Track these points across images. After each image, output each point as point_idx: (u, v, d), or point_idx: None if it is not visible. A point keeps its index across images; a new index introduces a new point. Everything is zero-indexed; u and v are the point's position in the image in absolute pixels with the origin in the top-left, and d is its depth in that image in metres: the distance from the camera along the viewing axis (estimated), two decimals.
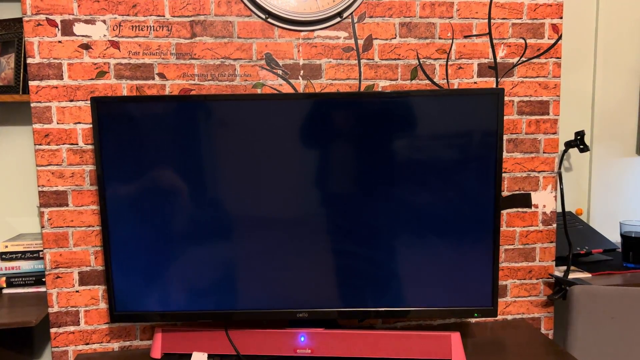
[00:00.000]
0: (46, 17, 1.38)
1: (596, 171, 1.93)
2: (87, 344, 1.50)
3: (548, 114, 1.59)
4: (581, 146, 1.73)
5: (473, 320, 1.64)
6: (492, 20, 1.53)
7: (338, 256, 1.37)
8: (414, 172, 1.35)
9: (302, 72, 1.48)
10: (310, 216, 1.36)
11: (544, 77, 1.57)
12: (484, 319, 1.64)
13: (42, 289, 1.59)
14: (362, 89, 1.51)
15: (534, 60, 1.56)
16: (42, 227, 1.44)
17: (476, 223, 1.36)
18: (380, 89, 1.51)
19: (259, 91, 1.47)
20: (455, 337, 1.38)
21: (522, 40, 1.55)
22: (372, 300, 1.38)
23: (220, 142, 1.33)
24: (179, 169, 1.33)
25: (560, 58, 1.57)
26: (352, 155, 1.34)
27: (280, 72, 1.48)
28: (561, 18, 1.55)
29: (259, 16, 1.45)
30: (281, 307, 1.38)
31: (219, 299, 1.38)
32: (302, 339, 1.39)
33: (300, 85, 1.49)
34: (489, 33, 1.54)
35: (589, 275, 1.61)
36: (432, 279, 1.38)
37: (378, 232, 1.36)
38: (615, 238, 1.88)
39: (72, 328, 1.49)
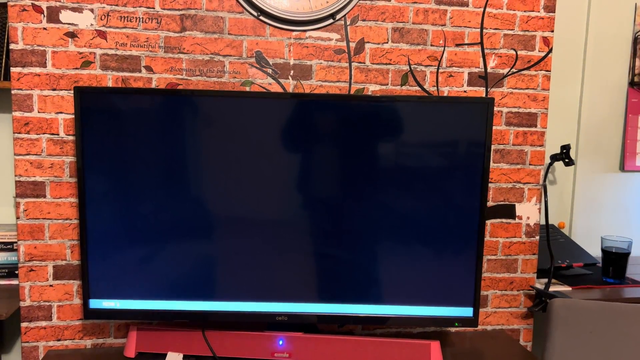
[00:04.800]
0: (32, 3, 1.34)
1: (580, 185, 1.94)
2: (59, 340, 1.46)
3: (536, 126, 1.59)
4: (566, 160, 1.74)
5: (452, 329, 1.63)
6: (484, 30, 1.53)
7: (320, 260, 1.36)
8: (400, 178, 1.34)
9: (292, 72, 1.46)
10: (293, 218, 1.34)
11: (533, 89, 1.58)
12: (463, 328, 1.64)
13: (15, 282, 1.55)
14: (352, 92, 1.49)
15: (524, 71, 1.57)
16: (18, 218, 1.40)
17: (460, 232, 1.36)
18: (370, 93, 1.50)
19: (247, 89, 1.45)
20: (435, 346, 1.37)
21: (513, 52, 1.55)
22: (352, 305, 1.37)
23: (205, 138, 1.30)
24: (161, 165, 1.30)
25: (549, 71, 1.57)
26: (338, 159, 1.33)
27: (270, 71, 1.46)
28: (552, 31, 1.56)
29: (250, 13, 1.43)
30: (260, 310, 1.36)
31: (197, 299, 1.35)
32: (281, 342, 1.37)
33: (290, 85, 1.47)
34: (481, 42, 1.54)
35: (569, 288, 1.62)
36: (414, 287, 1.37)
37: (361, 238, 1.35)
38: (595, 252, 1.89)
39: (43, 323, 1.45)
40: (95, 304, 1.34)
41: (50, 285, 1.44)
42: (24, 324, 1.44)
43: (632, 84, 1.94)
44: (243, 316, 1.36)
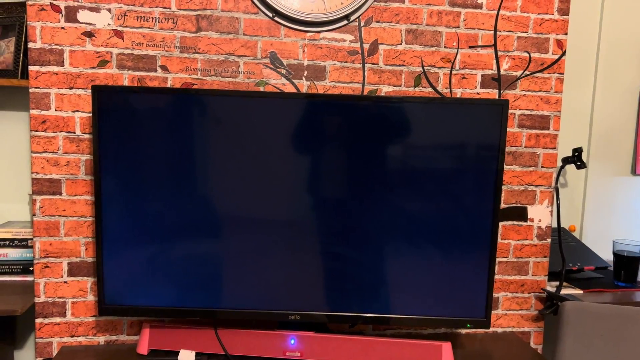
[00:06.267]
0: (50, 2, 1.36)
1: (591, 189, 1.94)
2: (73, 336, 1.47)
3: (548, 128, 1.59)
4: (578, 163, 1.73)
5: (463, 331, 1.63)
6: (497, 32, 1.54)
7: (332, 260, 1.36)
8: (412, 179, 1.34)
9: (306, 72, 1.47)
10: (306, 218, 1.35)
11: (546, 91, 1.58)
12: (474, 330, 1.64)
13: (30, 278, 1.57)
14: (365, 93, 1.50)
15: (537, 74, 1.57)
16: (34, 215, 1.42)
17: (473, 234, 1.36)
18: (383, 94, 1.51)
19: (261, 89, 1.46)
20: (447, 347, 1.37)
21: (526, 54, 1.56)
22: (364, 306, 1.37)
23: (220, 138, 1.31)
24: (176, 163, 1.32)
25: (563, 74, 1.58)
26: (351, 159, 1.34)
27: (284, 71, 1.47)
28: (566, 34, 1.56)
29: (265, 14, 1.44)
30: (272, 309, 1.37)
31: (210, 297, 1.36)
32: (292, 341, 1.38)
33: (304, 86, 1.48)
34: (494, 45, 1.54)
35: (581, 291, 1.62)
36: (425, 288, 1.38)
37: (374, 238, 1.36)
38: (606, 256, 1.89)
39: (58, 319, 1.46)
40: (109, 300, 1.35)
41: (65, 282, 1.45)
42: (38, 320, 1.46)
43: None
44: (255, 315, 1.36)
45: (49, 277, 1.44)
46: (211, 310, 1.36)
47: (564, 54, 1.57)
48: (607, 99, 1.92)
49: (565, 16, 1.55)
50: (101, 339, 1.49)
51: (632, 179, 1.96)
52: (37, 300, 1.45)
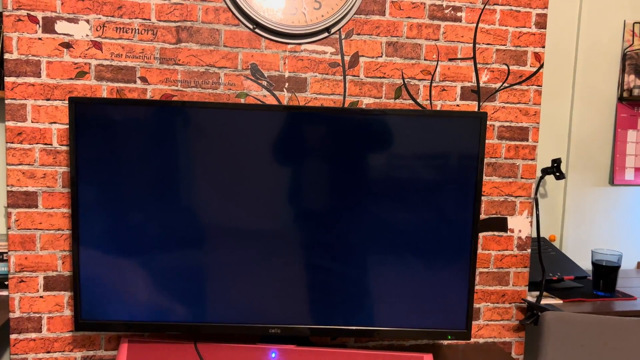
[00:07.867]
0: (27, 13, 1.35)
1: (570, 199, 1.96)
2: (49, 352, 1.44)
3: (527, 140, 1.61)
4: (557, 173, 1.75)
5: (445, 342, 1.63)
6: (477, 45, 1.55)
7: (313, 273, 1.36)
8: (393, 191, 1.35)
9: (287, 84, 1.47)
10: (286, 231, 1.34)
11: (524, 103, 1.60)
12: (455, 341, 1.64)
13: (4, 293, 1.53)
14: (346, 105, 1.50)
15: (516, 86, 1.59)
16: (9, 228, 1.39)
17: (453, 245, 1.36)
18: (364, 106, 1.51)
19: (242, 101, 1.46)
20: (428, 359, 1.37)
21: (505, 67, 1.58)
22: (345, 318, 1.37)
23: (199, 150, 1.30)
24: (155, 176, 1.30)
25: (541, 86, 1.60)
26: (331, 171, 1.34)
27: (265, 83, 1.46)
28: (543, 47, 1.58)
29: (246, 26, 1.44)
30: (253, 322, 1.35)
31: (190, 310, 1.34)
32: (273, 355, 1.36)
33: (285, 97, 1.48)
34: (474, 57, 1.56)
35: (561, 301, 1.63)
36: (407, 299, 1.37)
37: (354, 250, 1.35)
38: (586, 265, 1.90)
39: (33, 335, 1.43)
40: (86, 315, 1.32)
41: (41, 297, 1.42)
42: (13, 336, 1.42)
43: (621, 99, 1.97)
44: (236, 328, 1.35)
45: (24, 292, 1.41)
46: (191, 325, 1.34)
47: (541, 66, 1.59)
48: (584, 111, 1.95)
49: (542, 29, 1.58)
50: (78, 355, 1.46)
51: (610, 189, 1.99)
52: (11, 315, 1.41)
